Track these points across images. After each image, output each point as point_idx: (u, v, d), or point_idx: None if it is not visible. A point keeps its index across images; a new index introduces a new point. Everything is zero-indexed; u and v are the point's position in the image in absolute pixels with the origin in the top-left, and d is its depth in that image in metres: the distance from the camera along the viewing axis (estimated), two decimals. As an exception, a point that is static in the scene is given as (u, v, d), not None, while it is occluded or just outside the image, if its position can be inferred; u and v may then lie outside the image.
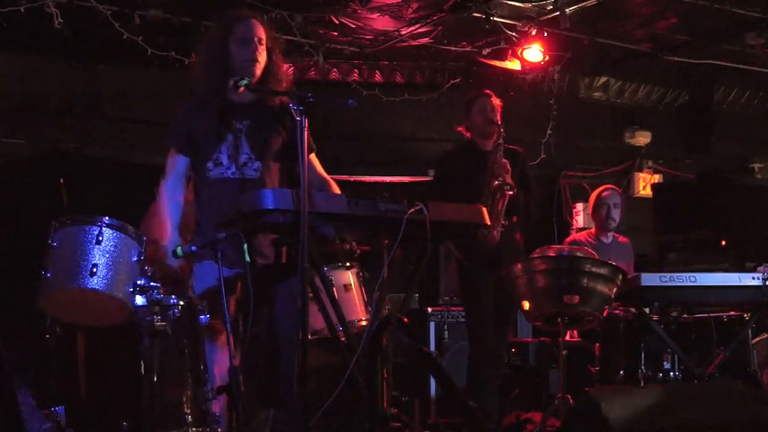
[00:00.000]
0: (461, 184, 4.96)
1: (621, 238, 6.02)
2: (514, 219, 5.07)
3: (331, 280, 4.68)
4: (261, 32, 3.86)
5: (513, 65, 6.91)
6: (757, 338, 5.19)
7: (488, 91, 5.26)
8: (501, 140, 4.95)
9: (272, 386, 3.78)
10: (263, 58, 3.84)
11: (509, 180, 4.85)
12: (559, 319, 4.70)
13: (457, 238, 4.54)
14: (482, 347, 4.93)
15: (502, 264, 4.89)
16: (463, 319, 5.64)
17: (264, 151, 3.83)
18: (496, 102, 5.15)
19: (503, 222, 4.85)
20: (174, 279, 3.77)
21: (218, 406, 3.63)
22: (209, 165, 3.80)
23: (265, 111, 3.86)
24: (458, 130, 5.24)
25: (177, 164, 3.86)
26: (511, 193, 4.84)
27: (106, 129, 6.99)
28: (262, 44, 3.84)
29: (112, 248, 3.64)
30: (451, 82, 7.34)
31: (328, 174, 4.04)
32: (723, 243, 7.47)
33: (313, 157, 3.97)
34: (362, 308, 4.97)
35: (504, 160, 4.90)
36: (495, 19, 6.22)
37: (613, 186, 6.12)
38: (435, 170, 5.32)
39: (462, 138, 5.24)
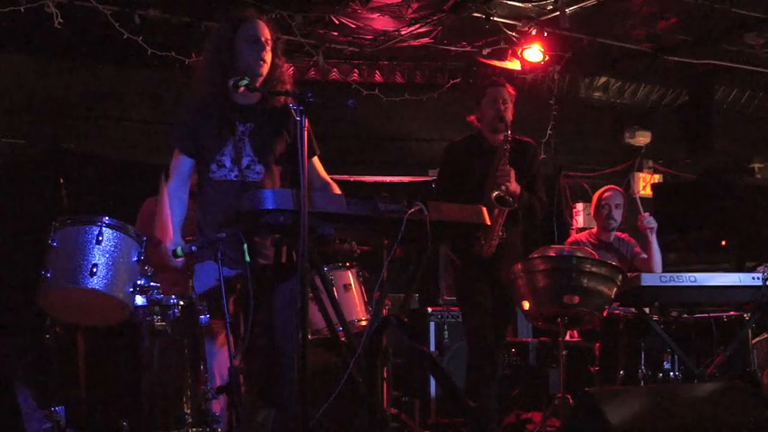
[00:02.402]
0: (467, 179, 4.88)
1: (621, 235, 6.02)
2: (517, 230, 5.00)
3: (331, 280, 4.68)
4: (267, 33, 3.86)
5: (513, 65, 6.91)
6: (757, 338, 5.19)
7: (501, 80, 5.09)
8: (507, 145, 4.80)
9: (272, 386, 3.78)
10: (269, 58, 3.84)
11: (512, 188, 4.73)
12: (559, 319, 4.69)
13: (457, 238, 4.52)
14: (480, 348, 4.89)
15: (497, 265, 4.85)
16: (463, 319, 5.64)
17: (267, 154, 3.83)
18: (510, 91, 4.98)
19: (499, 234, 4.79)
20: (175, 280, 3.77)
21: (218, 406, 3.63)
22: (213, 166, 3.80)
23: (269, 113, 3.85)
24: (469, 120, 5.07)
25: (182, 165, 3.85)
26: (510, 207, 4.71)
27: (106, 129, 6.99)
28: (268, 45, 3.85)
29: (112, 248, 3.64)
30: (451, 82, 7.35)
31: (329, 173, 4.03)
32: (723, 243, 7.48)
33: (315, 160, 3.96)
34: (362, 308, 4.97)
35: (508, 167, 4.76)
36: (495, 19, 6.22)
37: (615, 187, 6.12)
38: (441, 161, 5.12)
39: (472, 128, 5.07)
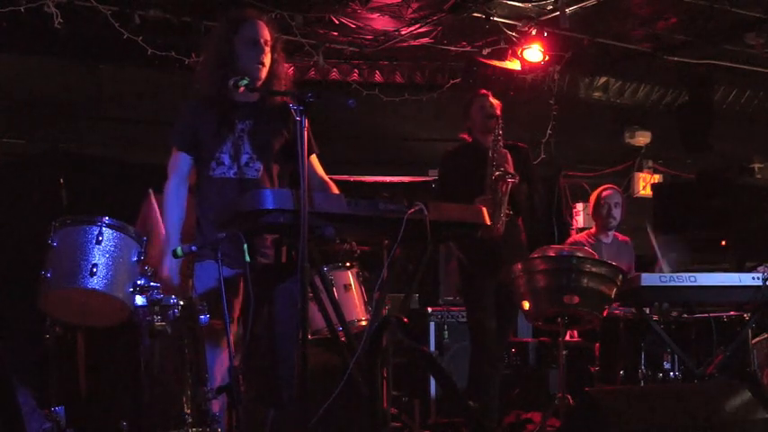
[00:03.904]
0: (465, 181, 4.93)
1: (622, 237, 6.01)
2: (519, 220, 5.04)
3: (331, 280, 4.68)
4: (267, 34, 3.85)
5: (513, 65, 6.91)
6: (757, 338, 5.19)
7: (484, 91, 5.25)
8: (500, 132, 4.92)
9: (271, 386, 3.78)
10: (268, 60, 3.84)
11: (510, 170, 4.82)
12: (559, 319, 4.70)
13: (457, 238, 4.53)
14: (484, 347, 4.92)
15: (504, 264, 4.87)
16: (463, 319, 5.65)
17: (266, 152, 3.83)
18: (494, 101, 5.14)
19: (507, 212, 4.84)
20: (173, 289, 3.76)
21: (218, 406, 3.63)
22: (213, 164, 3.80)
23: (268, 111, 3.86)
24: (461, 137, 5.22)
25: (180, 163, 3.85)
26: (513, 180, 4.80)
27: (106, 129, 6.99)
28: (268, 46, 3.84)
29: (112, 248, 3.63)
30: (451, 82, 7.35)
31: (328, 174, 4.04)
32: (723, 243, 7.47)
33: (314, 158, 3.96)
34: (362, 308, 4.96)
35: (503, 150, 4.88)
36: (495, 19, 6.23)
37: (614, 186, 6.12)
38: (439, 170, 5.29)
39: (465, 140, 5.22)
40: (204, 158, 3.82)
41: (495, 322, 4.94)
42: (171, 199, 3.82)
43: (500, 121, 4.97)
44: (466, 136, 5.20)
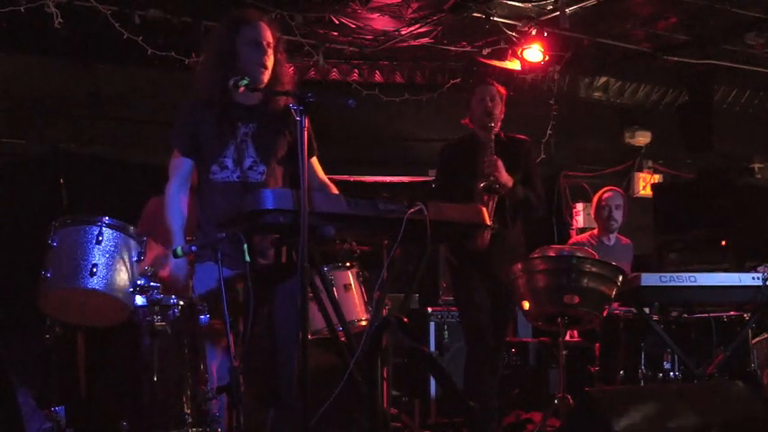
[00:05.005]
0: (462, 176, 4.88)
1: (624, 240, 6.02)
2: (518, 223, 4.99)
3: (331, 280, 4.68)
4: (269, 36, 3.82)
5: (513, 65, 6.91)
6: (757, 338, 5.19)
7: (490, 80, 5.15)
8: (492, 136, 4.84)
9: (272, 386, 3.78)
10: (270, 62, 3.82)
11: (501, 178, 4.73)
12: (559, 319, 4.69)
13: (457, 238, 4.52)
14: (480, 347, 4.87)
15: (492, 262, 4.82)
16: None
17: (269, 155, 3.81)
18: (498, 89, 5.01)
19: (492, 225, 4.77)
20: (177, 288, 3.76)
21: (217, 406, 3.63)
22: (214, 168, 3.77)
23: (271, 114, 3.82)
24: (463, 123, 5.11)
25: (182, 166, 3.81)
26: (500, 190, 4.72)
27: (106, 129, 6.99)
28: (270, 48, 3.82)
29: (112, 248, 3.64)
30: (451, 82, 7.35)
31: (328, 174, 4.03)
32: (723, 243, 7.47)
33: (314, 160, 3.95)
34: (362, 308, 4.97)
35: (494, 157, 4.77)
36: (495, 19, 6.23)
37: (616, 188, 6.12)
38: (438, 163, 5.18)
39: (467, 129, 5.11)
40: (206, 161, 3.79)
41: (491, 322, 4.88)
42: (172, 202, 3.80)
43: (492, 124, 4.85)
44: (468, 122, 5.09)
